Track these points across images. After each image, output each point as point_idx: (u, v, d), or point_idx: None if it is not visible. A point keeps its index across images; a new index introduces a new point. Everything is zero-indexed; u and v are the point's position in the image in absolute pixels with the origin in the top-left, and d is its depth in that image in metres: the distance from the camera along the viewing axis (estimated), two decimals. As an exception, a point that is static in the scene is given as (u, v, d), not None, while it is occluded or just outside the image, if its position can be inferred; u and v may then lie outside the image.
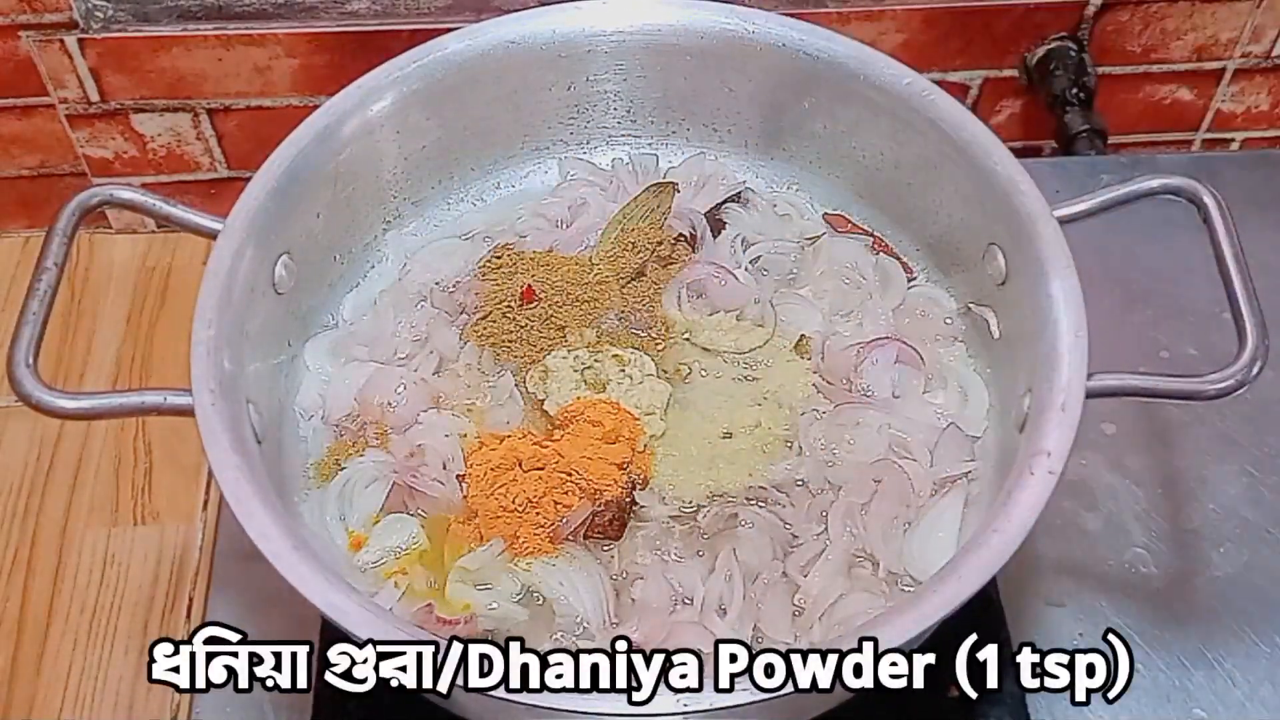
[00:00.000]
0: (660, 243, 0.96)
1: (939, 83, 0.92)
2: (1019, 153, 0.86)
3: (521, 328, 0.92)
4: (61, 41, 1.12)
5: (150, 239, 1.28)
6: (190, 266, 1.26)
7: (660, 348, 0.92)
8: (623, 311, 0.93)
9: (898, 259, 0.96)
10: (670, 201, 0.98)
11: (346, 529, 0.84)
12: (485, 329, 0.92)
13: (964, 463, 0.86)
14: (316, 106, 0.90)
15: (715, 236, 0.98)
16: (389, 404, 0.88)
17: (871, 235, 0.97)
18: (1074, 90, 1.23)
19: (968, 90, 1.25)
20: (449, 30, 0.95)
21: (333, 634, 0.70)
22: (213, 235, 0.83)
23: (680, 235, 0.97)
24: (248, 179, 0.86)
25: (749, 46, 0.95)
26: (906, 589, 0.81)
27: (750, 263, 0.97)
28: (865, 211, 0.99)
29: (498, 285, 0.94)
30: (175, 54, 1.14)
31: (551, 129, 1.02)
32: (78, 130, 1.20)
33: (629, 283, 0.95)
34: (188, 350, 0.77)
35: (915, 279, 0.96)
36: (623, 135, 1.03)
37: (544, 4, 0.97)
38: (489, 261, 0.96)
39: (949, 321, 0.94)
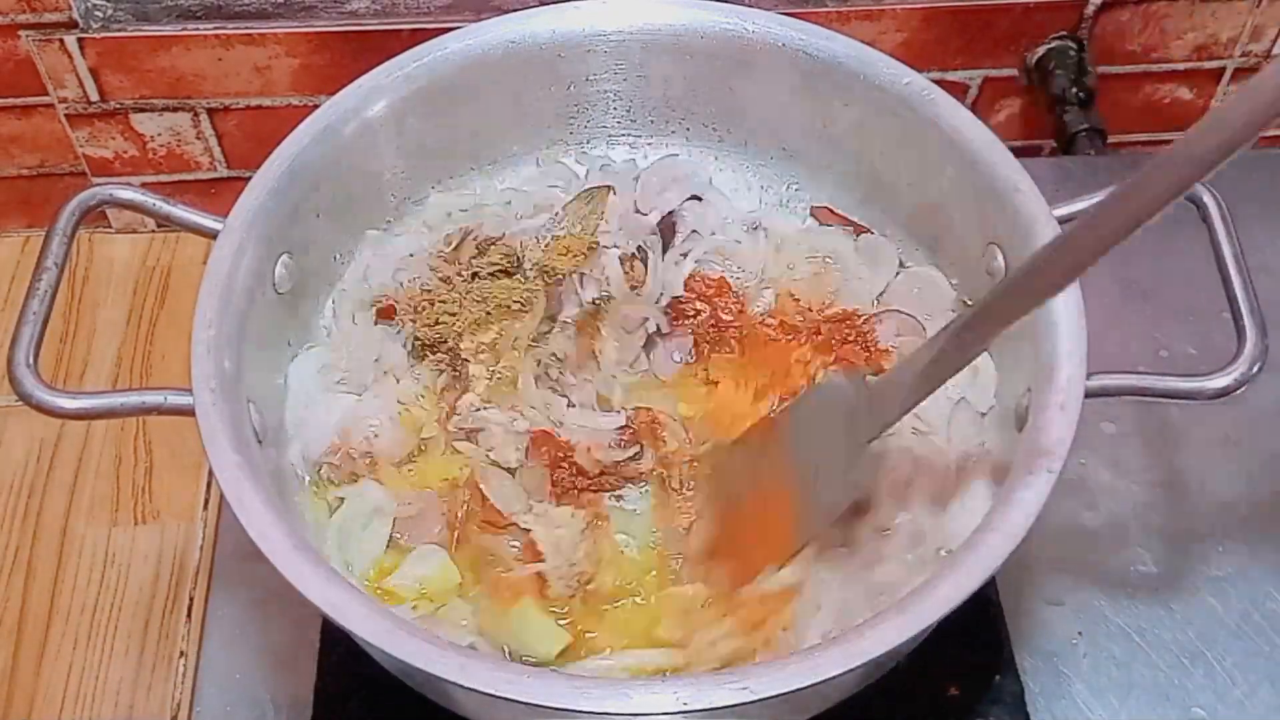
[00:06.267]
0: (592, 246, 0.94)
1: (939, 82, 0.92)
2: (1019, 152, 0.86)
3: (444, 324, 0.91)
4: (61, 41, 1.12)
5: (150, 239, 1.28)
6: (190, 266, 1.26)
7: None
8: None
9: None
10: (603, 206, 0.97)
11: (357, 574, 0.83)
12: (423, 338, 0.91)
13: (979, 437, 0.86)
14: (316, 106, 0.90)
15: (667, 244, 0.97)
16: (374, 435, 0.87)
17: (853, 224, 0.98)
18: (1074, 90, 1.23)
19: (967, 90, 1.25)
20: (449, 30, 0.95)
21: (333, 633, 0.70)
22: (213, 235, 0.83)
23: (633, 254, 0.95)
24: (248, 179, 0.86)
25: (749, 46, 0.95)
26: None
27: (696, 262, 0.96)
28: (865, 210, 0.99)
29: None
30: (175, 54, 1.14)
31: (551, 129, 1.02)
32: (77, 130, 1.20)
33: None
34: (188, 350, 0.77)
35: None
36: (623, 135, 1.03)
37: (544, 4, 0.97)
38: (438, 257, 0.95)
39: (949, 300, 0.94)
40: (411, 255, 0.95)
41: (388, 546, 0.84)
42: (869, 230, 0.98)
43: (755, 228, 0.98)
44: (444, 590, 0.82)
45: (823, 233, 0.99)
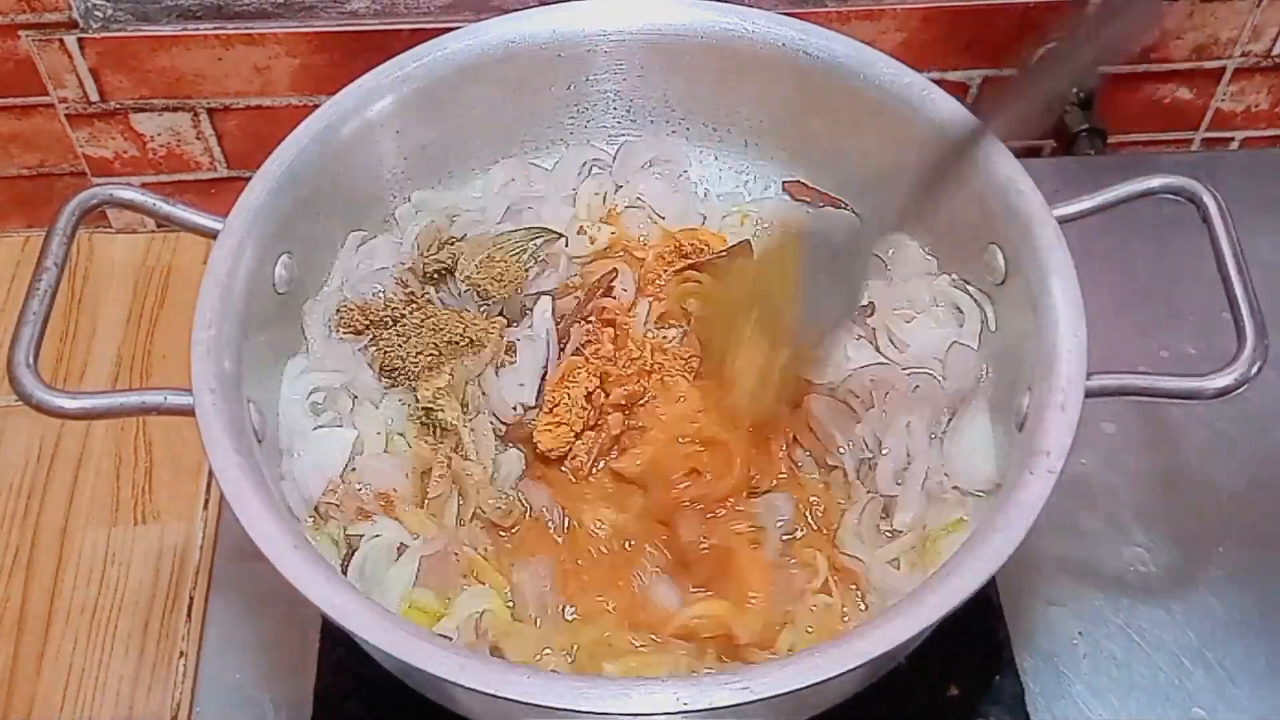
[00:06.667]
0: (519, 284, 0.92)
1: (939, 82, 0.92)
2: (1019, 153, 0.86)
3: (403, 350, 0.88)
4: (61, 41, 1.13)
5: (150, 239, 1.28)
6: (190, 266, 1.26)
7: None
8: None
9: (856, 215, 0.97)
10: (544, 252, 0.93)
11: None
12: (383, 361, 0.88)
13: (974, 372, 0.87)
14: (316, 106, 0.90)
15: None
16: (381, 485, 0.84)
17: (826, 196, 0.99)
18: (1074, 89, 1.23)
19: (968, 89, 1.25)
20: (449, 30, 0.95)
21: (333, 633, 0.70)
22: (213, 235, 0.83)
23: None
24: (248, 178, 0.86)
25: (749, 46, 0.95)
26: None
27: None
28: (865, 207, 0.99)
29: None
30: (175, 53, 1.14)
31: (551, 129, 1.02)
32: (77, 130, 1.20)
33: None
34: (188, 350, 0.77)
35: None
36: (623, 135, 1.03)
37: (544, 4, 0.97)
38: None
39: (927, 265, 0.94)
40: (399, 262, 0.93)
41: (415, 583, 0.81)
42: (841, 203, 0.98)
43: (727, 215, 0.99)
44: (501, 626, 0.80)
45: (782, 206, 0.99)
